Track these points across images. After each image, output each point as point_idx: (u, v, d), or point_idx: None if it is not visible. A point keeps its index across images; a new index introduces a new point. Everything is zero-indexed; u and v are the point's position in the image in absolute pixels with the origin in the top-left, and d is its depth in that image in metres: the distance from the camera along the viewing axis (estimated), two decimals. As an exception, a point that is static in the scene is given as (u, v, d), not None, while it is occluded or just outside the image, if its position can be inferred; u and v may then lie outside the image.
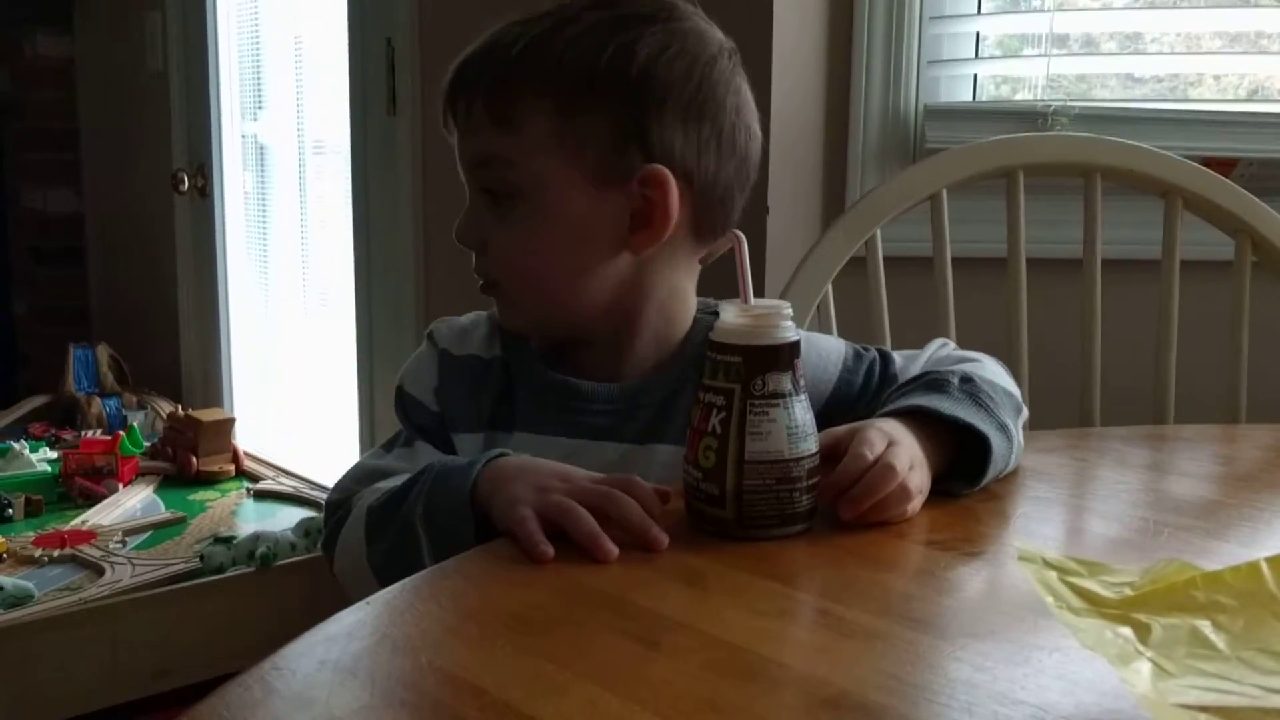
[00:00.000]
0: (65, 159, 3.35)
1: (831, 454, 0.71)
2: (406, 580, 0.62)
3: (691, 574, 0.63)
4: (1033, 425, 1.20)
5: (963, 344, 1.20)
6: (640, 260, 0.83)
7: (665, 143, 0.80)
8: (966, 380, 0.81)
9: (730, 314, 0.70)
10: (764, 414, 0.68)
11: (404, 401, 0.90)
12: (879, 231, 1.22)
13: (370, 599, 0.59)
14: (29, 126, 3.34)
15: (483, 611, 0.58)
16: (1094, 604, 0.49)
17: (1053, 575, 0.50)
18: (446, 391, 0.87)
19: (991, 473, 0.77)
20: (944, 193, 1.22)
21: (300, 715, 0.47)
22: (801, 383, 0.70)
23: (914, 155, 1.55)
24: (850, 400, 0.88)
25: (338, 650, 0.53)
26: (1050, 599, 0.49)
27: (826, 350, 0.90)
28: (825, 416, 0.78)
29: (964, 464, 0.77)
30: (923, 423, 0.76)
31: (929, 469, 0.74)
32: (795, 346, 0.69)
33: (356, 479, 0.86)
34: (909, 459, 0.72)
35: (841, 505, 0.70)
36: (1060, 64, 1.58)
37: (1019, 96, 1.63)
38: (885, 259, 1.22)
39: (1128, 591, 0.50)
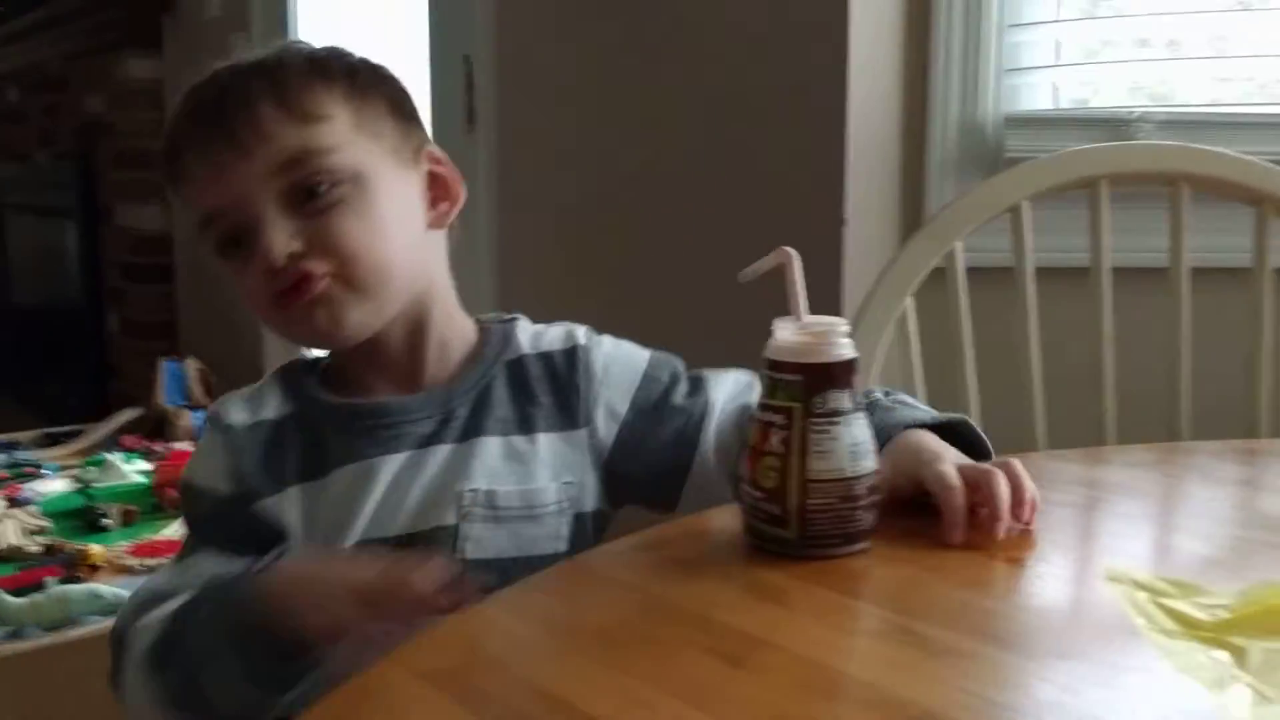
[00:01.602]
0: (154, 178, 3.45)
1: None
2: (495, 595, 0.63)
3: (774, 591, 0.64)
4: (1118, 439, 1.18)
5: (1051, 355, 1.19)
6: (429, 240, 0.87)
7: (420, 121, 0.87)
8: (885, 394, 0.84)
9: (787, 332, 0.70)
10: (825, 432, 0.67)
11: (189, 495, 0.87)
12: (960, 243, 1.21)
13: (461, 613, 0.60)
14: (120, 147, 3.45)
15: (570, 627, 0.59)
16: (1187, 626, 0.48)
17: (1143, 596, 0.50)
18: (241, 466, 0.83)
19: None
20: (1025, 203, 1.20)
21: (395, 728, 0.49)
22: (860, 399, 0.70)
23: (993, 165, 1.54)
24: (652, 405, 0.87)
25: (430, 664, 0.55)
26: (1141, 620, 0.48)
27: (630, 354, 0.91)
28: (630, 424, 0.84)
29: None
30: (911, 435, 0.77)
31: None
32: (853, 363, 0.69)
33: (136, 607, 0.81)
34: (953, 455, 0.73)
35: (986, 529, 0.69)
36: (1143, 68, 1.55)
37: (1100, 103, 1.61)
38: (967, 270, 1.21)
39: (1223, 614, 0.49)
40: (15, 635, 1.51)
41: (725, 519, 0.73)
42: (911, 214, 1.59)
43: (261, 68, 0.82)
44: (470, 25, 2.11)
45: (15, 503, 2.07)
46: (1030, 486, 0.70)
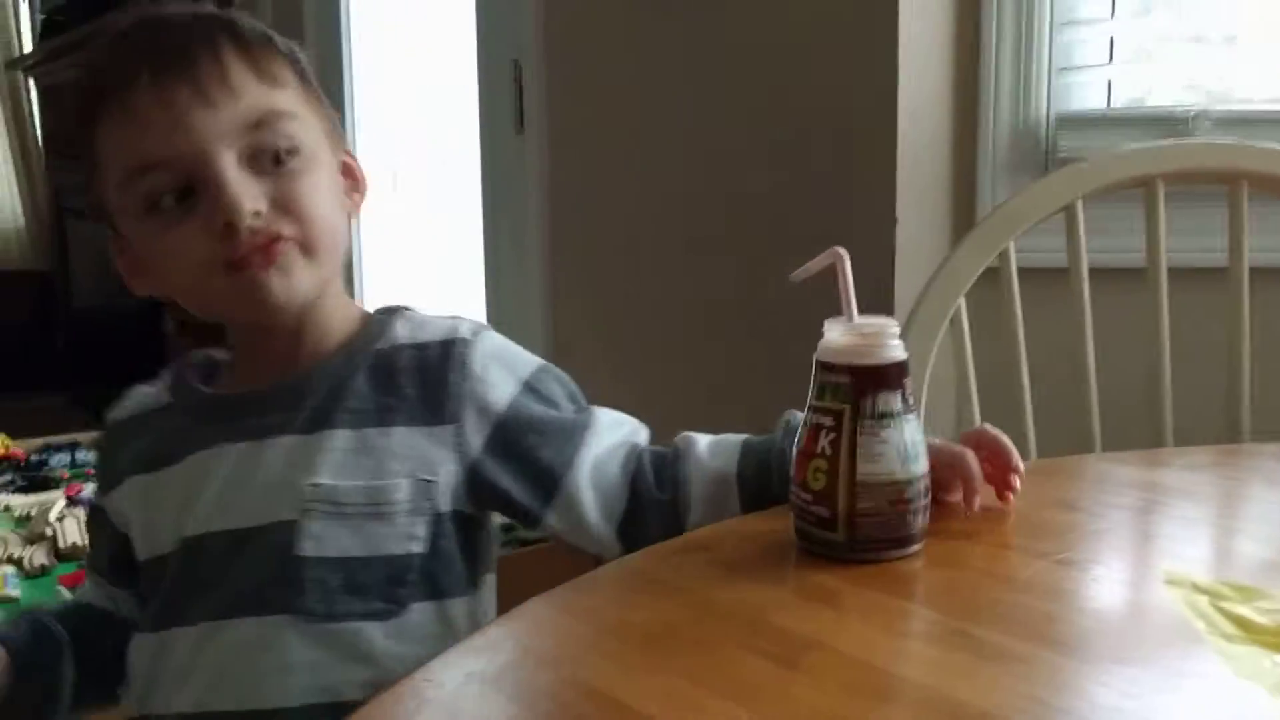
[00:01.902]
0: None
1: None
2: (545, 595, 0.63)
3: (825, 593, 0.63)
4: (1176, 441, 1.16)
5: (1106, 356, 1.18)
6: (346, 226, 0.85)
7: None
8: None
9: (836, 332, 0.69)
10: (875, 435, 0.67)
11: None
12: (1013, 242, 1.19)
13: (512, 613, 0.61)
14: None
15: (621, 628, 0.59)
16: (1249, 631, 0.47)
17: (1203, 600, 0.49)
18: (106, 460, 0.86)
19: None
20: (1079, 203, 1.19)
21: (449, 726, 0.49)
22: (911, 401, 0.69)
23: (1046, 165, 1.52)
24: (530, 413, 0.81)
25: (483, 663, 0.55)
26: (1201, 624, 0.48)
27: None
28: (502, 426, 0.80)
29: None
30: None
31: None
32: (904, 365, 0.69)
33: None
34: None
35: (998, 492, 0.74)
36: (1200, 65, 1.53)
37: (1156, 101, 1.58)
38: (1020, 270, 1.20)
39: (1284, 618, 0.48)
40: (76, 632, 1.54)
41: (775, 522, 0.73)
42: (963, 214, 1.57)
43: (221, 21, 0.78)
44: (519, 29, 2.12)
45: (75, 502, 2.11)
46: (1013, 451, 0.74)
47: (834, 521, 0.67)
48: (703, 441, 0.82)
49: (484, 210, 2.31)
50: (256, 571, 0.75)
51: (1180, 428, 1.17)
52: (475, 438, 0.79)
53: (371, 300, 2.87)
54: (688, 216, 1.85)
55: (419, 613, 0.76)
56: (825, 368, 0.68)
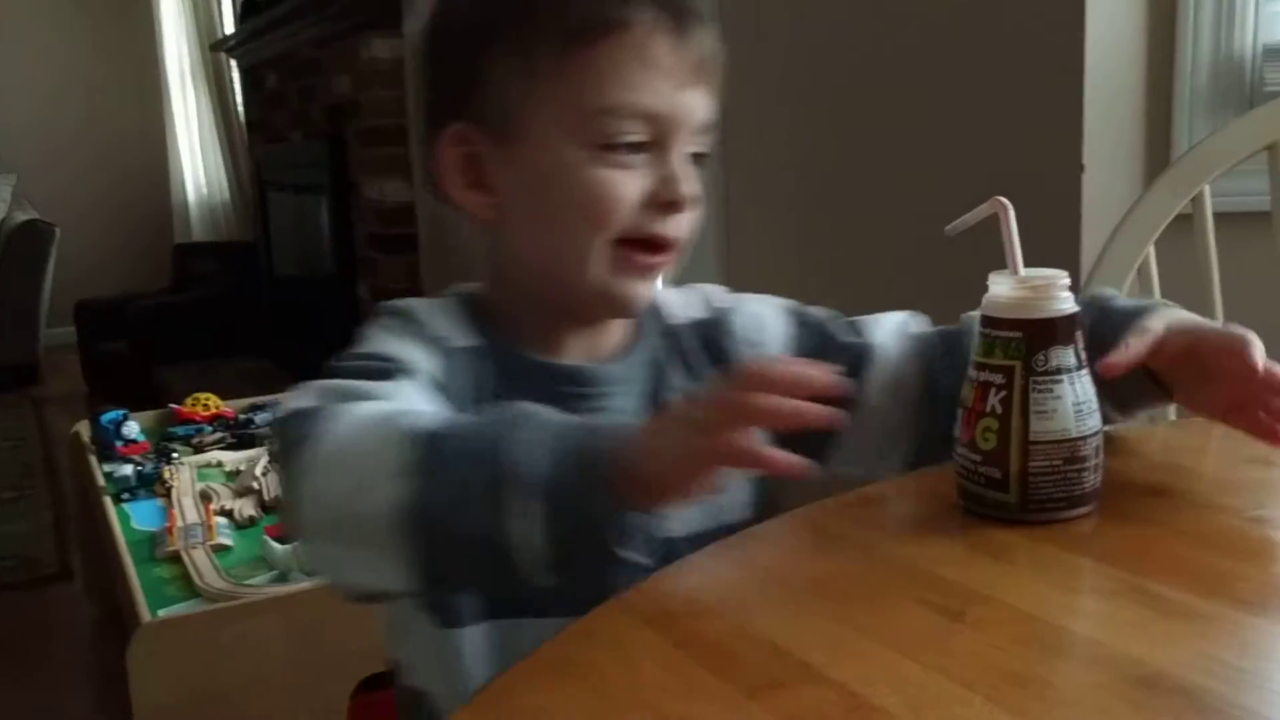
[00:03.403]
0: (397, 153, 3.64)
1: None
2: (713, 547, 0.64)
3: (996, 547, 0.62)
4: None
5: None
6: None
7: None
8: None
9: (1004, 286, 0.67)
10: (1048, 391, 0.64)
11: (404, 335, 0.75)
12: (1208, 186, 1.13)
13: (680, 563, 0.62)
14: (366, 125, 3.65)
15: (787, 576, 0.59)
16: None
17: (1406, 558, 0.46)
18: (452, 382, 0.74)
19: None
20: (1284, 141, 1.12)
21: (613, 665, 0.51)
22: (1084, 356, 0.66)
23: (1250, 101, 1.43)
24: (815, 351, 0.81)
25: (651, 607, 0.57)
26: (1402, 583, 0.45)
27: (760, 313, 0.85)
28: None
29: None
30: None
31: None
32: (1076, 318, 0.66)
33: (325, 395, 0.66)
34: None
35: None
36: None
37: (1377, 28, 1.46)
38: (1216, 215, 1.13)
39: None
40: (282, 578, 1.65)
41: (947, 479, 0.71)
42: (1157, 159, 1.49)
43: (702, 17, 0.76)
44: None
45: (281, 458, 2.25)
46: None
47: (1005, 482, 0.65)
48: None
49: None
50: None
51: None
52: None
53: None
54: (868, 170, 1.81)
55: None
56: (993, 323, 0.66)
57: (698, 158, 0.76)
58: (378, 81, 3.59)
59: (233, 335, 4.95)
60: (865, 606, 0.55)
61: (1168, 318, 0.73)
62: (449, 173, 0.77)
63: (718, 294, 0.87)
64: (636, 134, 0.73)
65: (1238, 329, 0.70)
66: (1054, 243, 1.44)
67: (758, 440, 0.57)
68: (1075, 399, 0.65)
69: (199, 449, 2.38)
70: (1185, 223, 1.13)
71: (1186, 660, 0.48)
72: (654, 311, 0.83)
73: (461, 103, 0.77)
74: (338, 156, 3.90)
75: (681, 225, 0.75)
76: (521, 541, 0.56)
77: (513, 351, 0.78)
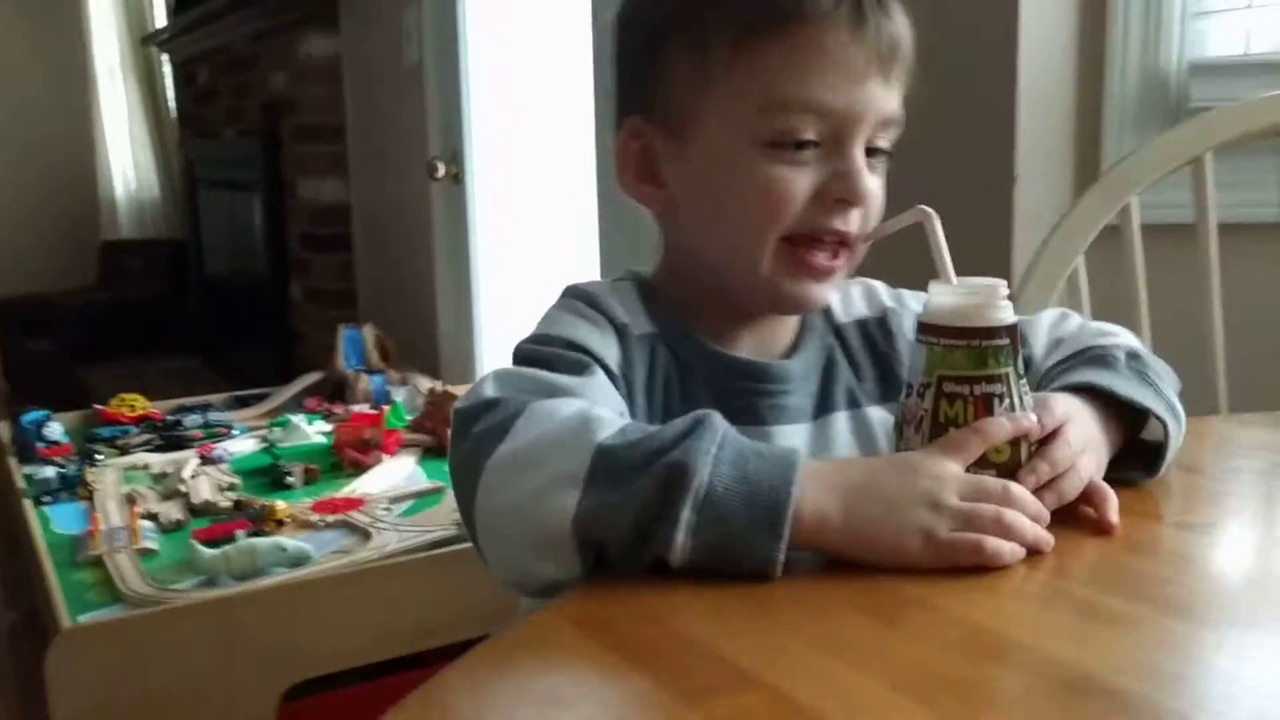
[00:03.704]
0: (333, 151, 3.60)
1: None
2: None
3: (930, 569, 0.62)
4: (1311, 403, 1.11)
5: (1232, 317, 1.13)
6: None
7: None
8: (1133, 356, 0.75)
9: (973, 297, 0.65)
10: (1027, 393, 0.66)
11: (562, 346, 0.72)
12: (1136, 198, 1.15)
13: (615, 570, 0.61)
14: (301, 123, 3.61)
15: (722, 582, 0.59)
16: (1373, 595, 0.45)
17: (1326, 563, 0.47)
18: (630, 372, 0.74)
19: (1168, 460, 0.71)
20: (1208, 155, 1.14)
21: (551, 674, 0.50)
22: None
23: (1176, 115, 1.46)
24: None
25: (587, 614, 0.56)
26: (1323, 588, 0.46)
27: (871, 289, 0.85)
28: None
29: (1135, 448, 0.72)
30: (1092, 400, 0.70)
31: (1104, 449, 0.69)
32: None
33: (517, 385, 0.67)
34: (1084, 438, 0.67)
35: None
36: (1347, 8, 1.44)
37: (1298, 47, 1.50)
38: (1143, 227, 1.16)
39: None
40: (209, 583, 1.62)
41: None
42: (1087, 170, 1.52)
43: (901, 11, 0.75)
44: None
45: (208, 460, 2.21)
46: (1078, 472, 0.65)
47: None
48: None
49: (598, 173, 2.32)
50: None
51: (1316, 390, 1.12)
52: None
53: (486, 259, 2.91)
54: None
55: None
56: (983, 333, 0.64)
57: (877, 153, 0.74)
58: (314, 78, 3.55)
59: (161, 335, 4.86)
60: (802, 612, 0.55)
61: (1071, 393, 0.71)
62: (626, 165, 0.77)
63: (883, 290, 0.86)
64: (808, 131, 0.71)
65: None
66: (986, 251, 1.46)
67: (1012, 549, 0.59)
68: (1029, 398, 0.66)
69: (124, 451, 2.33)
70: (1114, 234, 1.15)
71: (1115, 664, 0.48)
72: (824, 309, 0.82)
73: (639, 96, 0.77)
74: (272, 154, 3.85)
75: (854, 222, 0.73)
76: (679, 550, 0.57)
77: (689, 340, 0.77)
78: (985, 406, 0.64)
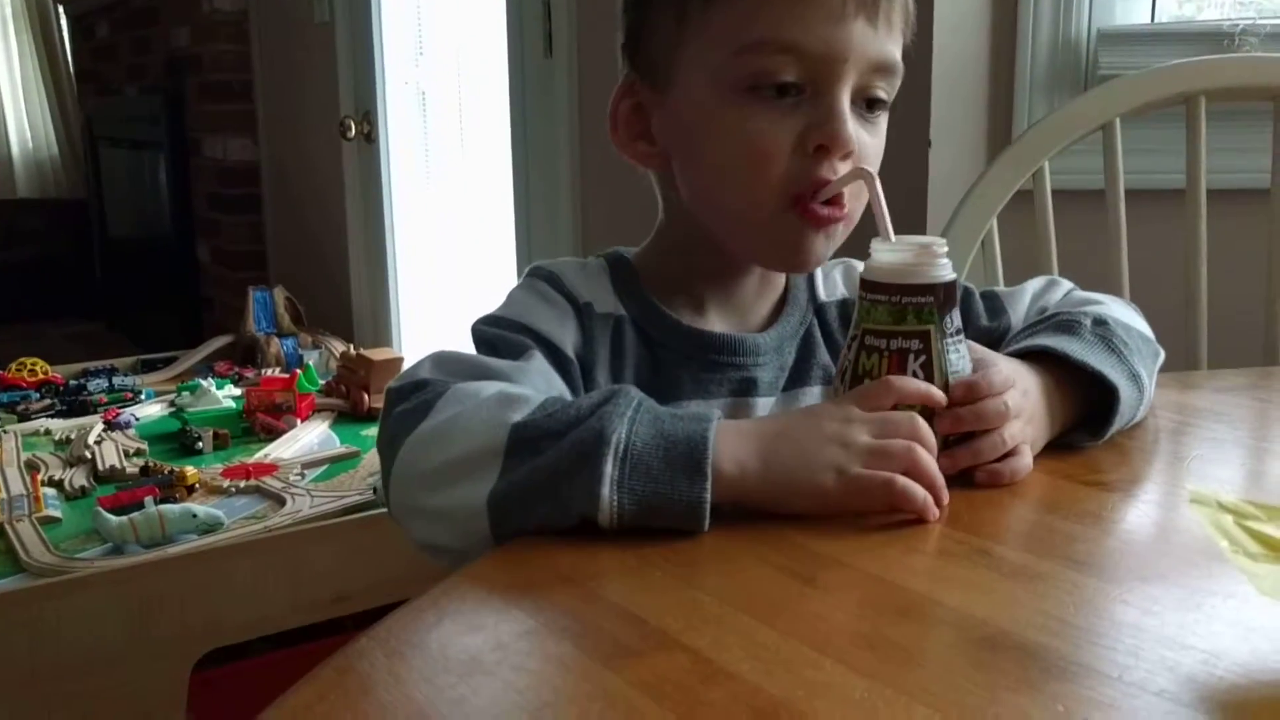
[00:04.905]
0: (241, 109, 3.50)
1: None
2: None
3: (847, 512, 0.63)
4: (1211, 364, 1.15)
5: (1138, 281, 1.15)
6: None
7: None
8: (1099, 322, 0.75)
9: (907, 253, 0.66)
10: (956, 351, 0.66)
11: (516, 330, 0.73)
12: (1047, 164, 1.17)
13: (533, 534, 0.61)
14: (207, 80, 3.50)
15: (643, 544, 0.59)
16: (1273, 549, 0.47)
17: (1228, 519, 0.48)
18: (590, 353, 0.75)
19: (1116, 425, 0.72)
20: (1117, 122, 1.16)
21: (469, 639, 0.49)
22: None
23: (1085, 83, 1.49)
24: None
25: (507, 578, 0.56)
26: (1225, 543, 0.47)
27: None
28: None
29: (1091, 413, 0.72)
30: (1049, 366, 0.71)
31: (1049, 421, 0.70)
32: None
33: (449, 369, 0.68)
34: (1025, 407, 0.67)
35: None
36: (1249, -21, 1.48)
37: (1204, 16, 1.54)
38: (1054, 192, 1.18)
39: (1310, 537, 0.47)
40: (116, 551, 1.58)
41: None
42: (1000, 136, 1.54)
43: None
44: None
45: (114, 426, 2.15)
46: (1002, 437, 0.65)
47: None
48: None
49: (512, 135, 2.29)
50: None
51: (1216, 352, 1.15)
52: None
53: (401, 219, 2.87)
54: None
55: None
56: (902, 289, 0.64)
57: (876, 105, 0.72)
58: (221, 34, 3.45)
59: (62, 298, 4.71)
60: (721, 572, 0.55)
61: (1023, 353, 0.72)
62: (616, 125, 0.78)
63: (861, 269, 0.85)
64: (786, 73, 0.69)
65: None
66: (902, 215, 1.47)
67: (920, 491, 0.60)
68: (965, 358, 0.66)
69: (25, 417, 2.26)
70: (1026, 198, 1.17)
71: (1026, 619, 0.49)
72: (808, 285, 0.82)
73: (632, 54, 0.77)
74: (176, 112, 3.73)
75: (841, 171, 0.71)
76: (606, 505, 0.57)
77: (662, 318, 0.78)
78: (899, 362, 0.65)
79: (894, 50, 0.72)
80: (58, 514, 1.70)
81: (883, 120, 0.75)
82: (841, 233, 0.75)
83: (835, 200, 0.72)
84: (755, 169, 0.71)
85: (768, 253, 0.76)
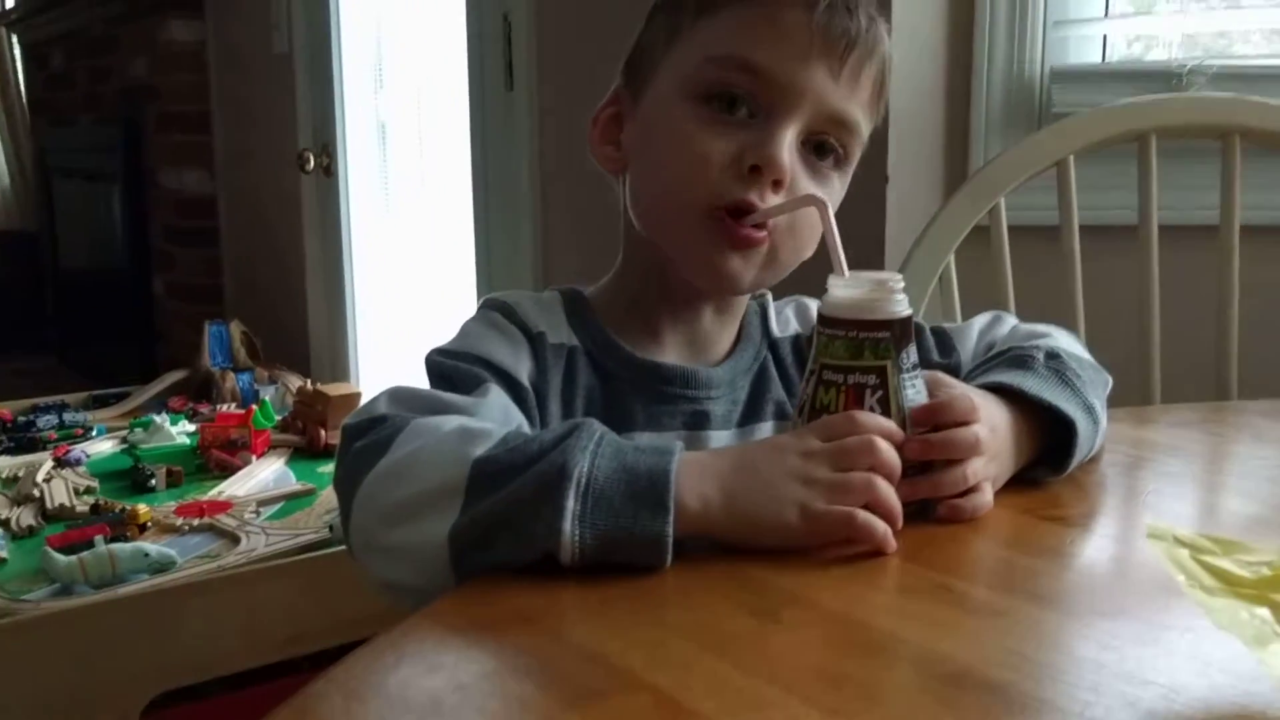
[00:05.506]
0: (199, 141, 3.48)
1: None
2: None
3: (808, 548, 0.63)
4: (1164, 399, 1.16)
5: (1093, 315, 1.17)
6: None
7: None
8: (1052, 356, 0.76)
9: (862, 289, 0.66)
10: (913, 386, 0.66)
11: (471, 362, 0.74)
12: (1003, 200, 1.19)
13: (493, 573, 0.60)
14: (165, 111, 3.48)
15: (604, 581, 0.58)
16: (1229, 583, 0.47)
17: (1184, 553, 0.49)
18: (544, 384, 0.76)
19: (1077, 458, 0.73)
20: (1071, 159, 1.18)
21: (429, 680, 0.49)
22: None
23: (1040, 120, 1.51)
24: None
25: (467, 618, 0.55)
26: (1182, 577, 0.47)
27: None
28: None
29: (1051, 447, 0.73)
30: (1006, 402, 0.72)
31: (1013, 458, 0.71)
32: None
33: (407, 404, 0.68)
34: (991, 444, 0.68)
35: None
36: (1197, 20, 1.51)
37: (1152, 56, 1.57)
38: (1010, 228, 1.19)
39: (1265, 571, 0.48)
40: (65, 592, 1.54)
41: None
42: (956, 172, 1.56)
43: (864, 6, 0.74)
44: (508, -16, 2.10)
45: (64, 463, 2.11)
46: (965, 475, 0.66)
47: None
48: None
49: (473, 168, 2.29)
50: None
51: (1170, 386, 1.17)
52: None
53: (360, 253, 2.85)
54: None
55: None
56: (858, 325, 0.65)
57: (826, 153, 0.74)
58: (179, 65, 3.43)
59: (11, 332, 4.63)
60: (683, 610, 0.55)
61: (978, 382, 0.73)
62: (598, 127, 0.80)
63: (816, 308, 0.85)
64: (739, 88, 0.72)
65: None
66: (860, 250, 1.49)
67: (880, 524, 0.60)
68: (922, 393, 0.67)
69: (-29, 453, 2.21)
70: (983, 234, 1.18)
71: (990, 656, 0.49)
72: (761, 321, 0.84)
73: (626, 67, 0.80)
74: (133, 143, 3.70)
75: (771, 201, 0.72)
76: (568, 541, 0.57)
77: (613, 349, 0.78)
78: (856, 396, 0.65)
79: (852, 109, 0.74)
80: (3, 554, 1.67)
81: (835, 176, 0.76)
82: (764, 260, 0.75)
83: (760, 225, 0.72)
84: (688, 172, 0.72)
85: (690, 262, 0.76)
